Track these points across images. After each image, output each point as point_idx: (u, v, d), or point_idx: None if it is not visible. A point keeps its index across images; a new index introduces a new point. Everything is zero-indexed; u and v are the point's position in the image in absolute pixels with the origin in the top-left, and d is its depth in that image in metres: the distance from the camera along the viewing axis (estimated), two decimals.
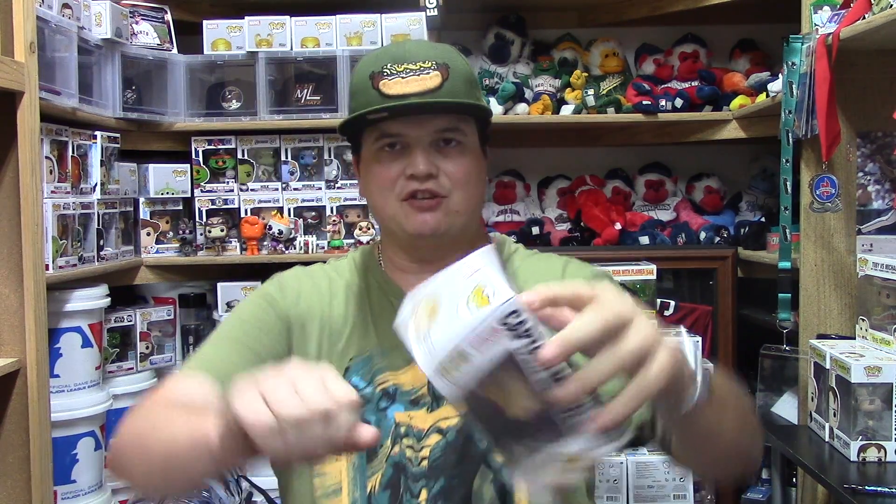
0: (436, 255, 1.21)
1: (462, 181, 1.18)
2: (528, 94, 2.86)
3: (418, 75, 1.13)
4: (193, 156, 2.67)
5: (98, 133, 2.30)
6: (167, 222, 2.67)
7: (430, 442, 1.15)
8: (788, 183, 2.13)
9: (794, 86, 2.08)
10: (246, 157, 2.69)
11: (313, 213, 2.68)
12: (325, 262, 1.35)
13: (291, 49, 2.63)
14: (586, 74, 2.88)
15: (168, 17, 2.68)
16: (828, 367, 1.89)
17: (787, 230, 2.15)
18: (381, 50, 1.21)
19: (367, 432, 0.80)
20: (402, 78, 1.13)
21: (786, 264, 2.16)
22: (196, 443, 0.89)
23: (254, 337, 1.21)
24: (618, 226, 2.81)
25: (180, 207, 2.69)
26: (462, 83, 1.16)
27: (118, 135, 2.43)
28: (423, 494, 1.14)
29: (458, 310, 0.71)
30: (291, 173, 2.68)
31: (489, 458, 1.15)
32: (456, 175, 1.17)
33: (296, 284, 1.27)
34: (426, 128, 1.15)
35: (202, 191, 2.67)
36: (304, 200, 2.67)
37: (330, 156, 2.68)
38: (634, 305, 0.78)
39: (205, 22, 2.66)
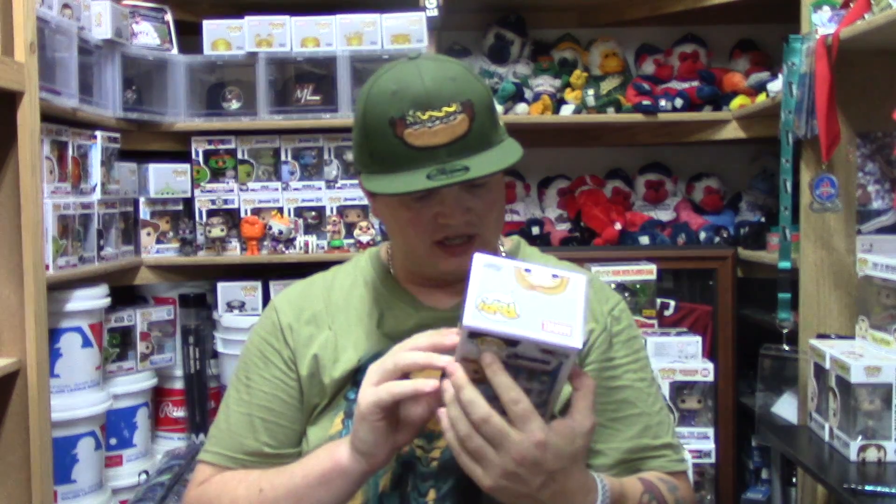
0: (459, 280, 1.20)
1: (493, 217, 1.17)
2: (528, 94, 2.86)
3: (445, 123, 1.07)
4: (193, 156, 2.67)
5: (98, 133, 2.31)
6: (167, 222, 2.67)
7: (441, 444, 1.15)
8: (788, 183, 2.13)
9: (794, 86, 2.08)
10: (246, 157, 2.69)
11: (313, 213, 2.68)
12: (328, 266, 1.34)
13: (291, 49, 2.63)
14: (586, 74, 2.88)
15: (168, 17, 2.68)
16: (828, 367, 1.89)
17: (787, 230, 2.15)
18: (396, 83, 1.10)
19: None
20: (429, 128, 1.07)
21: (786, 264, 2.16)
22: (326, 476, 1.06)
23: (266, 400, 1.22)
24: (618, 226, 2.81)
25: (180, 207, 2.69)
26: (487, 118, 1.11)
27: (118, 135, 2.43)
28: (432, 494, 1.14)
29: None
30: (291, 173, 2.68)
31: None
32: (485, 212, 1.15)
33: (292, 314, 1.25)
34: None
35: (202, 191, 2.67)
36: (304, 200, 2.67)
37: (330, 156, 2.68)
38: (555, 460, 0.95)
39: (205, 22, 2.66)
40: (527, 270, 0.92)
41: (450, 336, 0.98)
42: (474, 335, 0.89)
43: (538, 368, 0.92)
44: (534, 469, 0.94)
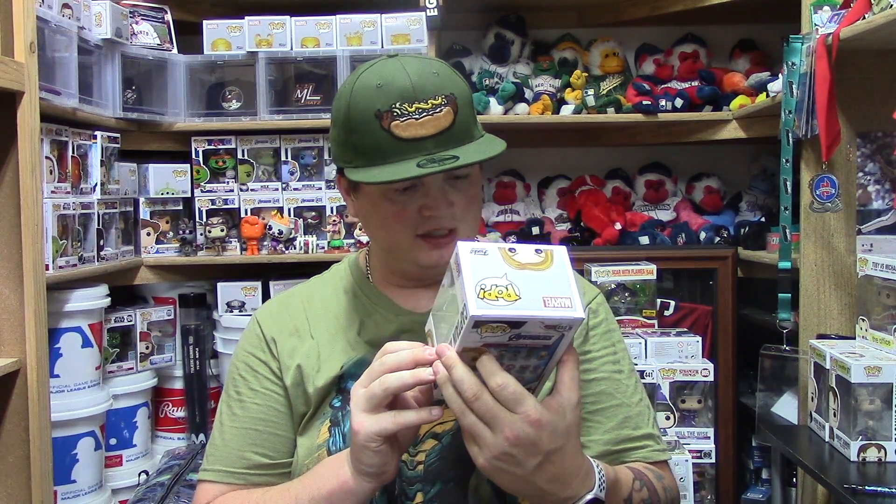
0: (437, 279, 1.22)
1: (471, 210, 1.18)
2: (528, 94, 2.86)
3: (431, 114, 1.09)
4: (193, 156, 2.67)
5: (98, 133, 2.30)
6: (167, 222, 2.67)
7: (426, 447, 1.16)
8: (788, 183, 2.13)
9: (794, 86, 2.08)
10: (246, 157, 2.69)
11: (313, 213, 2.68)
12: (328, 266, 1.36)
13: (291, 49, 2.63)
14: (586, 74, 2.88)
15: (168, 17, 2.68)
16: (828, 367, 1.89)
17: (787, 230, 2.15)
18: (381, 77, 1.11)
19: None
20: (416, 119, 1.08)
21: (786, 264, 2.16)
22: (334, 497, 1.05)
23: (260, 412, 1.23)
24: (618, 226, 2.81)
25: (180, 207, 2.69)
26: (468, 111, 1.14)
27: (118, 135, 2.43)
28: (419, 497, 1.15)
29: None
30: (291, 173, 2.68)
31: None
32: (466, 206, 1.17)
33: (275, 327, 1.26)
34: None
35: (202, 191, 2.67)
36: (304, 200, 2.67)
37: (330, 156, 2.67)
38: (545, 440, 0.94)
39: (205, 22, 2.66)
40: (511, 250, 0.94)
41: (428, 349, 0.98)
42: (478, 325, 0.89)
43: (538, 345, 0.93)
44: (529, 449, 0.93)
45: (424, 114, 1.09)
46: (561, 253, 0.95)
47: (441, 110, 1.10)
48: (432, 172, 1.07)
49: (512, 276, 0.91)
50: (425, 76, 1.11)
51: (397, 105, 1.09)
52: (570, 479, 0.97)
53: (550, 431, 0.93)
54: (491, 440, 0.93)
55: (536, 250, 0.95)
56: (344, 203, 2.63)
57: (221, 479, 1.21)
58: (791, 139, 2.11)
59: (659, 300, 2.61)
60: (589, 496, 0.98)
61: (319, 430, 1.19)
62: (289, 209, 2.66)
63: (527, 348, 0.93)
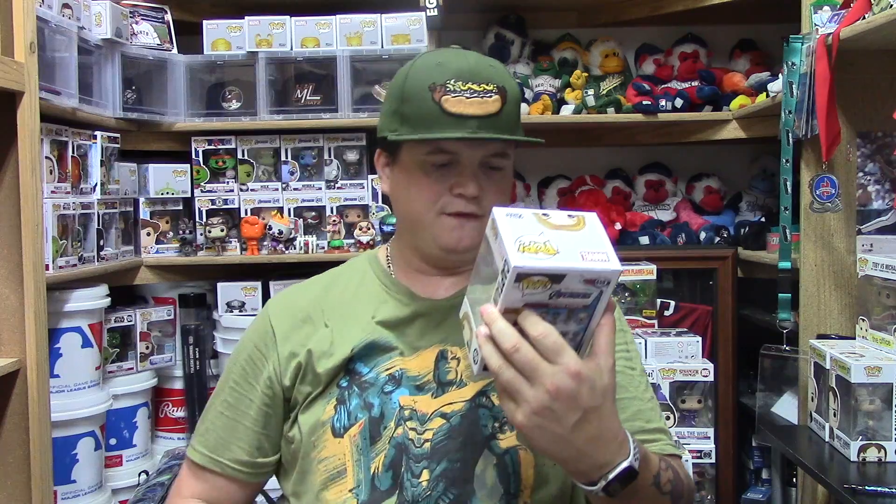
0: (455, 266, 1.27)
1: (497, 204, 1.20)
2: (528, 94, 2.86)
3: (481, 97, 1.16)
4: (193, 156, 2.67)
5: (98, 133, 2.30)
6: (167, 222, 2.67)
7: (434, 425, 1.18)
8: (788, 183, 2.13)
9: (794, 86, 2.08)
10: (246, 157, 2.69)
11: (313, 213, 2.68)
12: (328, 266, 1.39)
13: (291, 49, 2.63)
14: (586, 74, 2.88)
15: (168, 17, 2.68)
16: (828, 367, 1.89)
17: (787, 230, 2.15)
18: (442, 57, 1.20)
19: None
20: (466, 98, 1.16)
21: (786, 264, 2.16)
22: None
23: (251, 409, 1.28)
24: (618, 226, 2.81)
25: (180, 207, 2.69)
26: (515, 107, 1.21)
27: (118, 135, 2.43)
28: (425, 475, 1.16)
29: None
30: (291, 173, 2.68)
31: (492, 443, 1.18)
32: (493, 197, 1.22)
33: (285, 317, 1.29)
34: (481, 150, 1.20)
35: (202, 191, 2.67)
36: (304, 200, 2.67)
37: (330, 156, 2.68)
38: (578, 395, 0.91)
39: (205, 22, 2.66)
40: (544, 214, 0.97)
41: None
42: (520, 278, 0.90)
43: (577, 304, 0.93)
44: (569, 403, 0.91)
45: (475, 95, 1.16)
46: (592, 217, 0.99)
47: (491, 96, 1.17)
48: (469, 138, 1.14)
49: (548, 234, 0.94)
50: (482, 65, 1.19)
51: (451, 81, 1.16)
52: (607, 443, 0.95)
53: (590, 387, 0.91)
54: (530, 393, 0.91)
55: (569, 215, 0.98)
56: (344, 203, 2.67)
57: (203, 463, 1.27)
58: (791, 139, 2.11)
59: (659, 300, 2.61)
60: (625, 463, 0.96)
61: (325, 408, 1.22)
62: (289, 209, 2.66)
63: (567, 310, 0.93)
